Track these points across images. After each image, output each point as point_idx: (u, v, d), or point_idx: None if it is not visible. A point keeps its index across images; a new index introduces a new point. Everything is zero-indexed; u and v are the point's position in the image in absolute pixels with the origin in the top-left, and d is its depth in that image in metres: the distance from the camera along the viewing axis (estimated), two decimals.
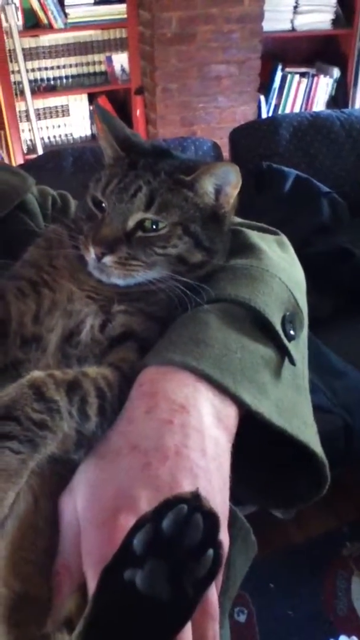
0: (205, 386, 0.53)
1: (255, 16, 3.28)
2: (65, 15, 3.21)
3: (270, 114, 3.73)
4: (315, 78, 3.76)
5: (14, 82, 3.23)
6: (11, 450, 0.46)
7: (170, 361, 0.54)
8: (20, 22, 3.16)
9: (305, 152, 2.50)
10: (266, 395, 0.55)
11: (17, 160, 3.34)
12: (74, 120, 3.54)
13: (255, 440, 0.57)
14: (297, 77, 3.74)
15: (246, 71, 3.40)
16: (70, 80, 3.45)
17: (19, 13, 3.13)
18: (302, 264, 0.74)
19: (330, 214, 2.32)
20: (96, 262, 0.63)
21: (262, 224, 0.77)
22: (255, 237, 0.71)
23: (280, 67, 3.72)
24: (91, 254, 0.63)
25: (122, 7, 3.26)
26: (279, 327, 0.60)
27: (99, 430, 0.52)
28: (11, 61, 3.17)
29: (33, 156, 3.07)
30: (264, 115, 3.69)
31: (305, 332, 0.68)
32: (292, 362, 0.61)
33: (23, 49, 3.11)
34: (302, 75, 3.75)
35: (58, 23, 3.20)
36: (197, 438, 0.50)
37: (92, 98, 3.49)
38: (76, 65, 3.43)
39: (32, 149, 3.37)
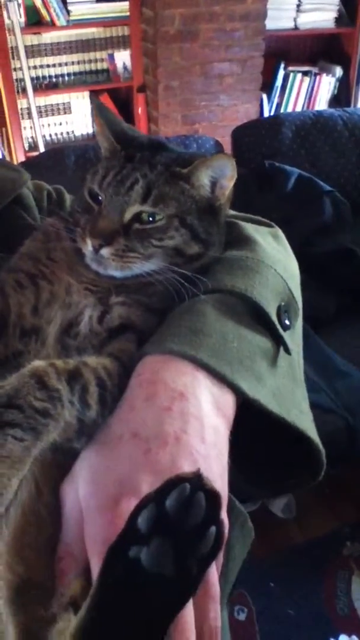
0: (204, 375, 0.54)
1: (258, 14, 3.27)
2: (68, 12, 3.20)
3: (272, 113, 3.73)
4: (318, 77, 3.76)
5: (16, 80, 3.22)
6: (14, 437, 0.47)
7: (169, 351, 0.55)
8: (23, 19, 3.15)
9: (308, 151, 2.49)
10: (263, 384, 0.56)
11: (19, 157, 3.34)
12: (76, 117, 3.53)
13: (250, 429, 0.58)
14: (299, 75, 3.73)
15: (249, 69, 3.40)
16: (72, 77, 3.45)
17: (22, 10, 3.12)
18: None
19: (332, 213, 2.32)
20: (93, 254, 0.63)
21: (258, 217, 0.78)
22: (250, 229, 0.72)
23: (282, 65, 3.71)
24: (88, 246, 0.63)
25: (125, 4, 3.25)
26: (274, 317, 0.61)
27: (99, 418, 0.53)
28: (13, 58, 3.16)
29: (35, 154, 3.07)
30: (266, 114, 3.69)
31: (300, 323, 0.69)
32: (288, 351, 0.62)
33: (25, 46, 3.11)
34: (305, 73, 3.74)
35: (60, 20, 3.20)
36: (196, 424, 0.51)
37: (94, 96, 3.48)
38: (78, 62, 3.43)
39: (33, 146, 3.37)
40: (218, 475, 0.51)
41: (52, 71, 3.39)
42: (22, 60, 3.07)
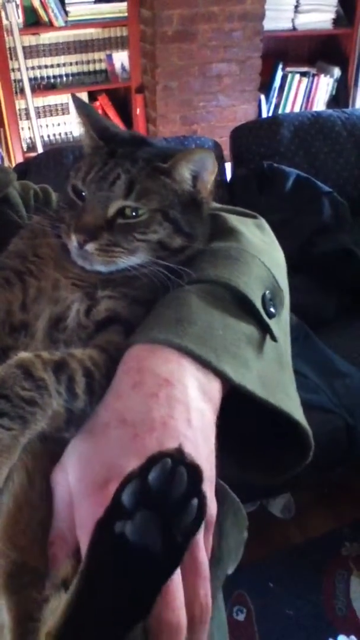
0: (189, 361, 0.55)
1: (257, 15, 3.28)
2: (66, 13, 3.21)
3: (270, 114, 3.73)
4: (316, 77, 3.77)
5: (14, 80, 3.22)
6: (2, 426, 0.48)
7: (154, 339, 0.55)
8: (21, 20, 3.15)
9: (307, 151, 2.50)
10: (249, 369, 0.57)
11: (17, 158, 3.34)
12: (74, 118, 3.53)
13: (242, 416, 0.59)
14: (297, 76, 3.74)
15: (247, 70, 3.40)
16: (70, 78, 3.45)
17: (20, 11, 3.12)
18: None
19: (331, 214, 2.32)
20: (78, 250, 0.64)
21: (242, 208, 0.79)
22: (234, 220, 0.73)
23: (281, 66, 3.73)
24: (73, 242, 0.64)
25: (123, 5, 3.26)
26: (259, 305, 0.62)
27: (88, 408, 0.53)
28: (11, 59, 3.16)
29: (33, 154, 3.06)
30: (264, 115, 3.70)
31: (286, 311, 0.70)
32: (274, 338, 0.63)
33: (23, 47, 3.11)
34: (303, 74, 3.75)
35: (58, 21, 3.20)
36: (182, 410, 0.52)
37: (92, 96, 3.48)
38: (76, 63, 3.43)
39: (31, 147, 3.37)
40: (205, 458, 0.52)
41: (50, 72, 3.39)
42: (20, 60, 3.07)
